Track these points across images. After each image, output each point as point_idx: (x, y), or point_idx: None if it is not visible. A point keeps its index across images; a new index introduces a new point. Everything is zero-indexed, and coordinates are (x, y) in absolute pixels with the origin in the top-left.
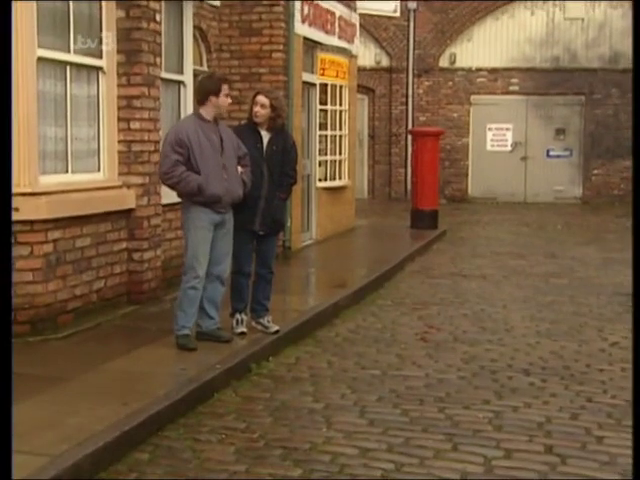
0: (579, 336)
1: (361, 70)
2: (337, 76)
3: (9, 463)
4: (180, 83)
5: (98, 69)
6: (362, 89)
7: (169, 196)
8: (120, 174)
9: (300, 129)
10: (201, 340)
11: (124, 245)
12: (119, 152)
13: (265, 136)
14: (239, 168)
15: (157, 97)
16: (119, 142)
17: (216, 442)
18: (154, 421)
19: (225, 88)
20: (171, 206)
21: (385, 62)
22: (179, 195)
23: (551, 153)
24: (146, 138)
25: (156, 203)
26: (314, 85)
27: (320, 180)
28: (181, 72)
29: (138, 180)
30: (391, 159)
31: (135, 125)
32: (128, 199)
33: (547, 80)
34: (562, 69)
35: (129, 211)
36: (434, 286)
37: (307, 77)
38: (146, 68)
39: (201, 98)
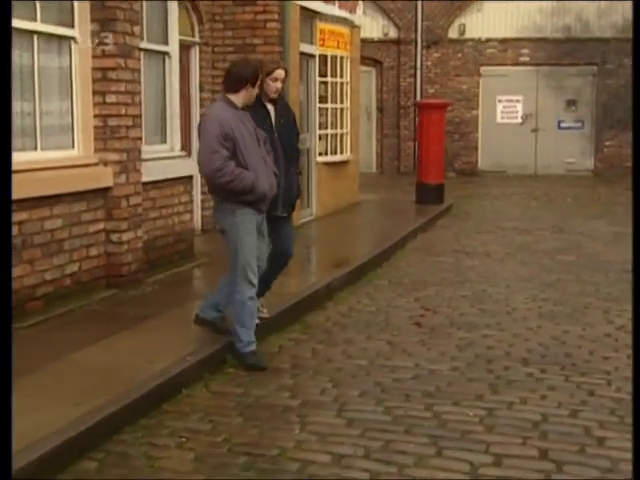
0: (584, 319)
1: (368, 42)
2: (338, 47)
3: (9, 463)
4: (165, 54)
5: (70, 39)
6: (370, 61)
7: (151, 173)
8: (96, 151)
9: (298, 102)
10: (202, 326)
11: (101, 226)
12: (95, 127)
13: (271, 110)
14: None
15: (136, 69)
16: (94, 117)
17: (175, 447)
18: (109, 423)
19: (261, 79)
20: (154, 184)
21: (393, 34)
22: (220, 195)
23: (562, 125)
24: (123, 112)
25: (136, 181)
26: (313, 56)
27: (320, 154)
28: (165, 42)
29: (115, 157)
30: (400, 132)
31: (111, 98)
32: (104, 177)
33: (558, 50)
34: (574, 39)
35: (106, 190)
36: (435, 264)
37: (305, 48)
38: (122, 38)
39: (235, 85)
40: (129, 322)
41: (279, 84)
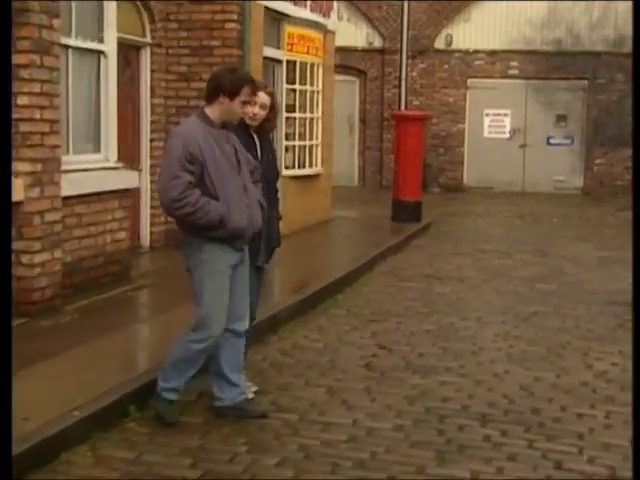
0: (559, 362)
1: (352, 51)
2: (308, 52)
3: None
4: (100, 53)
5: None
6: (353, 71)
7: (77, 186)
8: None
9: None
10: (225, 417)
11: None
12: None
13: (257, 142)
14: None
15: (55, 67)
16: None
17: None
18: None
19: (245, 93)
20: (80, 198)
21: (377, 43)
22: (186, 228)
23: (551, 141)
24: (38, 116)
25: (53, 195)
26: (280, 62)
27: (287, 168)
28: (101, 40)
29: (27, 167)
30: (383, 145)
31: (23, 100)
32: (15, 190)
33: (548, 63)
34: (564, 52)
35: (16, 205)
36: (402, 291)
37: (271, 52)
38: (37, 31)
39: (209, 95)
40: (22, 362)
41: (258, 110)
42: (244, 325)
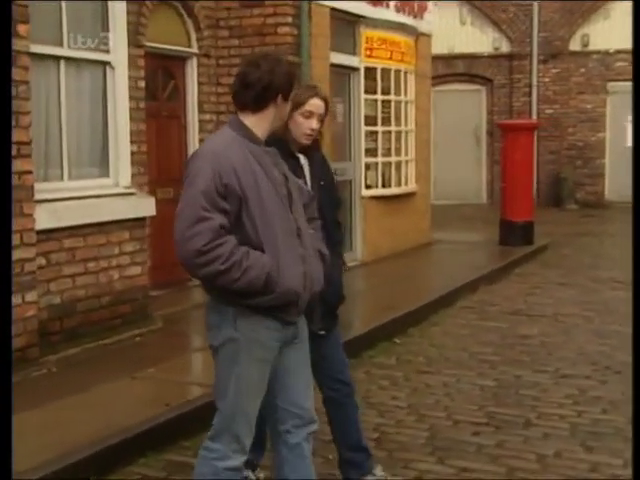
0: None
1: (477, 58)
2: (391, 58)
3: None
4: (106, 64)
5: None
6: (478, 79)
7: (67, 217)
8: None
9: (327, 125)
10: None
11: None
12: None
13: (304, 164)
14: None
15: (20, 81)
16: None
17: None
18: None
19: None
20: (72, 230)
21: (505, 48)
22: (213, 290)
23: None
24: None
25: (21, 229)
26: (356, 69)
27: (369, 187)
28: (105, 49)
29: None
30: None
31: None
32: None
33: None
34: None
35: None
36: (477, 333)
37: (343, 59)
38: None
39: (254, 98)
40: None
41: (314, 123)
42: (308, 421)
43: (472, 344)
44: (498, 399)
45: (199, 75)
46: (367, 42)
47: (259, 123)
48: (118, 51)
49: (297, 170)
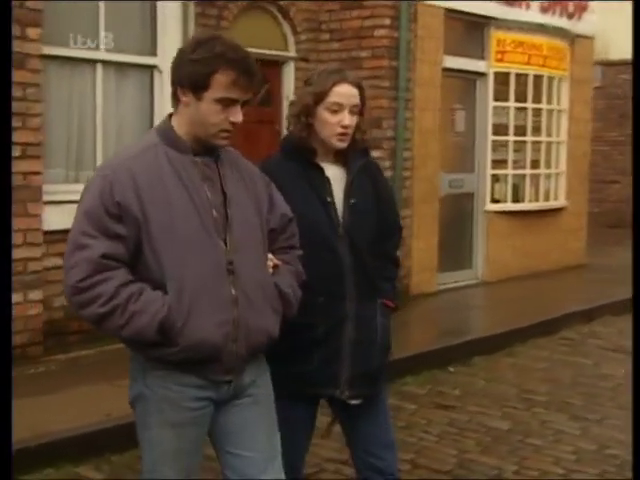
0: None
1: None
2: (529, 62)
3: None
4: (152, 69)
5: None
6: None
7: None
8: None
9: (434, 132)
10: None
11: None
12: None
13: (336, 176)
14: (271, 261)
15: (30, 83)
16: None
17: None
18: None
19: (228, 76)
20: None
21: None
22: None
23: None
24: None
25: (26, 229)
26: (483, 75)
27: (496, 201)
28: (153, 52)
29: None
30: None
31: None
32: None
33: None
34: None
35: None
36: (551, 368)
37: (465, 63)
38: None
39: (172, 93)
40: None
41: (346, 118)
42: None
43: (532, 381)
44: (490, 446)
45: (296, 79)
46: (498, 45)
47: (179, 124)
48: (167, 54)
49: (321, 184)
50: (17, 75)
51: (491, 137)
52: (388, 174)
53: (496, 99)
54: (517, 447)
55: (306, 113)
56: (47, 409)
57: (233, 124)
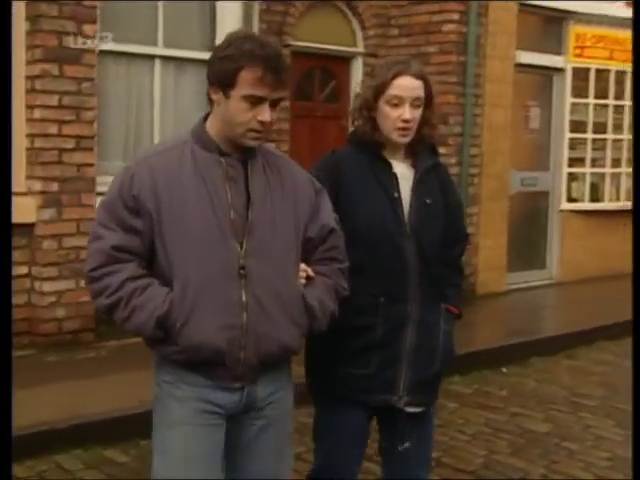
0: None
1: None
2: (611, 58)
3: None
4: None
5: None
6: None
7: None
8: (27, 177)
9: (506, 129)
10: None
11: (26, 270)
12: (26, 149)
13: (404, 173)
14: (303, 272)
15: (84, 78)
16: (26, 136)
17: None
18: None
19: (254, 73)
20: None
21: None
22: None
23: None
24: (54, 131)
25: (78, 218)
26: (560, 70)
27: (573, 200)
28: (211, 48)
29: (38, 186)
30: None
31: (36, 114)
32: (27, 210)
33: None
34: None
35: (28, 227)
36: (611, 373)
37: (541, 59)
38: (55, 39)
39: (207, 89)
40: None
41: (407, 112)
42: None
43: (586, 384)
44: (522, 448)
45: (364, 75)
46: (577, 40)
47: (212, 123)
48: None
49: (389, 181)
50: (72, 70)
51: (568, 135)
52: (454, 170)
53: (574, 95)
54: (550, 450)
55: (367, 107)
56: (85, 393)
57: (263, 124)
